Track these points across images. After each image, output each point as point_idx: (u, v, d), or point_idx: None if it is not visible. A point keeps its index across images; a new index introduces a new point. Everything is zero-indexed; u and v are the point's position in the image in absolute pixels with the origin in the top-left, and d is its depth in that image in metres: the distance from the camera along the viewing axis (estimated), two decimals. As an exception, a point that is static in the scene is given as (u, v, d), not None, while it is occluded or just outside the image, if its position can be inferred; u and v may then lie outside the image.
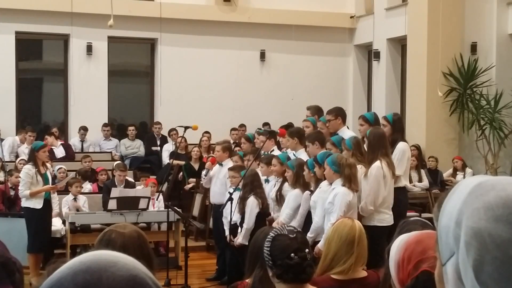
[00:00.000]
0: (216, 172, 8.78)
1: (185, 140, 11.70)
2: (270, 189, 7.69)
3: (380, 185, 6.54)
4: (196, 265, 9.17)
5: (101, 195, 9.97)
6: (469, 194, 1.06)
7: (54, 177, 9.77)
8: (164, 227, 9.37)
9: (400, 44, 14.09)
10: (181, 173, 11.67)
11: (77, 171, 10.86)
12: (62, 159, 12.12)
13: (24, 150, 11.70)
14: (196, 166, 11.47)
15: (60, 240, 9.28)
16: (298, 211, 6.89)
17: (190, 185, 11.38)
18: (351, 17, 15.12)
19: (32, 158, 8.56)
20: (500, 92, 11.94)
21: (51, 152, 12.21)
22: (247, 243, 7.02)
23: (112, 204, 9.08)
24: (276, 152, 8.35)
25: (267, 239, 2.90)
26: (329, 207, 6.12)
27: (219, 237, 8.57)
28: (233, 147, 10.42)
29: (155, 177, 11.14)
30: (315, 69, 15.01)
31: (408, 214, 8.37)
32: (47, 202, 8.54)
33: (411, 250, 2.04)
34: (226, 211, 7.78)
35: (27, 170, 8.43)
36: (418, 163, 11.40)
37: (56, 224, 9.16)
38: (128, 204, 9.12)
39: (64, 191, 9.69)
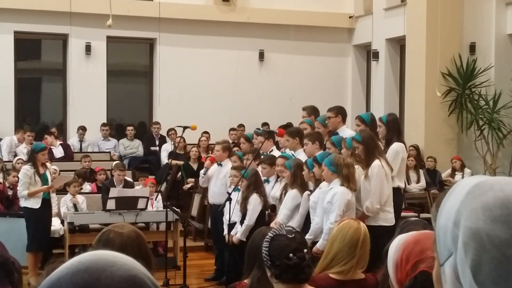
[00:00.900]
0: (215, 172, 8.78)
1: (184, 140, 11.69)
2: (269, 189, 7.69)
3: (383, 183, 6.54)
4: (194, 265, 9.17)
5: (100, 195, 9.97)
6: (467, 195, 1.06)
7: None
8: (162, 227, 9.38)
9: (399, 44, 14.09)
10: (179, 173, 11.66)
11: (76, 171, 10.85)
12: (61, 159, 12.11)
13: (23, 150, 11.70)
14: (194, 166, 11.46)
15: (59, 240, 9.28)
16: (296, 211, 6.88)
17: (188, 185, 11.38)
18: (350, 17, 15.12)
19: (32, 158, 8.58)
20: (499, 93, 11.95)
21: (50, 152, 12.21)
22: (245, 240, 7.03)
23: (111, 204, 9.07)
24: (275, 152, 8.34)
25: (265, 239, 2.90)
26: (327, 207, 6.11)
27: (218, 237, 8.57)
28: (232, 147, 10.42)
29: (153, 177, 11.13)
30: (314, 69, 15.01)
31: (407, 214, 8.38)
32: (46, 202, 8.54)
33: (409, 250, 2.04)
34: (226, 211, 7.78)
35: (26, 170, 8.47)
36: (417, 163, 11.41)
37: (55, 224, 9.16)
38: (127, 204, 9.12)
39: (63, 191, 9.68)
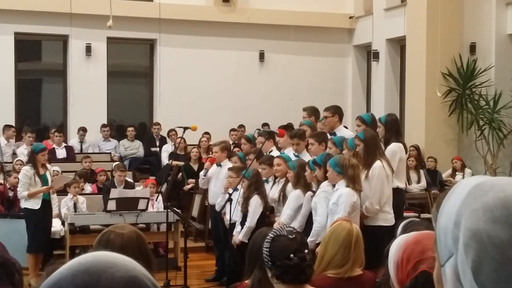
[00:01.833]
0: (214, 173, 8.78)
1: (184, 141, 11.69)
2: (268, 189, 7.69)
3: (384, 184, 6.54)
4: (195, 266, 9.17)
5: (101, 196, 9.97)
6: (468, 195, 1.06)
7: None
8: (163, 227, 9.38)
9: (399, 45, 14.09)
10: (180, 174, 11.67)
11: (77, 172, 10.85)
12: (62, 160, 12.12)
13: (23, 151, 11.69)
14: (195, 166, 11.47)
15: (59, 241, 9.28)
16: (299, 211, 6.88)
17: (189, 186, 11.38)
18: (350, 17, 15.12)
19: (31, 159, 8.59)
20: (499, 93, 11.95)
21: (53, 152, 12.25)
22: (247, 241, 7.03)
23: (111, 205, 9.08)
24: (275, 152, 8.34)
25: (266, 240, 2.90)
26: (333, 208, 6.08)
27: (218, 238, 8.57)
28: (232, 147, 10.42)
29: (154, 177, 11.13)
30: (314, 69, 15.01)
31: (407, 214, 8.36)
32: (46, 203, 8.55)
33: (410, 250, 2.04)
34: (227, 212, 7.78)
35: (25, 171, 8.48)
36: (417, 164, 11.41)
37: (55, 225, 9.16)
38: (127, 204, 9.12)
39: (63, 192, 9.67)
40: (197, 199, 10.75)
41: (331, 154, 6.64)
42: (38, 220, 8.43)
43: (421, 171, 11.44)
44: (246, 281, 3.28)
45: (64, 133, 13.26)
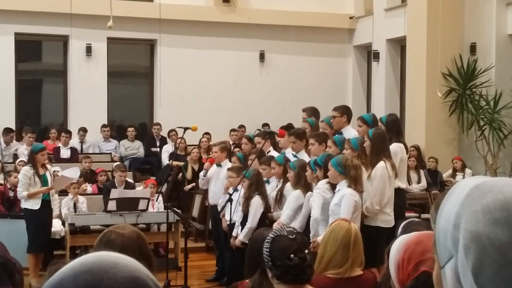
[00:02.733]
0: (214, 173, 8.78)
1: (185, 141, 11.70)
2: (271, 190, 7.69)
3: (386, 185, 6.53)
4: (195, 266, 9.17)
5: (101, 196, 9.97)
6: (467, 197, 1.06)
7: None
8: (163, 228, 9.38)
9: (399, 45, 14.09)
10: (180, 174, 11.66)
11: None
12: (66, 161, 12.14)
13: (24, 151, 11.69)
14: (195, 166, 11.47)
15: (60, 241, 9.28)
16: (299, 211, 6.88)
17: (189, 186, 11.39)
18: (350, 17, 15.12)
19: (31, 160, 8.59)
20: (500, 93, 11.95)
21: (57, 151, 12.28)
22: (248, 242, 7.03)
23: (112, 205, 9.08)
24: (273, 153, 8.34)
25: (266, 240, 2.90)
26: (335, 209, 6.06)
27: (219, 238, 8.58)
28: (232, 148, 10.42)
29: (154, 178, 11.13)
30: (314, 69, 15.01)
31: (408, 214, 8.36)
32: (46, 203, 8.53)
33: (411, 250, 2.04)
34: (227, 212, 7.78)
35: (25, 171, 8.47)
36: (418, 164, 11.40)
37: (56, 225, 9.15)
38: (128, 205, 9.12)
39: (63, 192, 9.67)
40: (197, 199, 10.76)
41: (332, 154, 6.63)
42: (38, 220, 8.42)
43: (422, 171, 11.44)
44: (247, 280, 3.28)
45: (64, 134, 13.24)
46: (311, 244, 5.63)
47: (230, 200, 7.48)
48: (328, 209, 6.17)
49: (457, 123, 12.38)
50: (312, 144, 7.32)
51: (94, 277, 0.97)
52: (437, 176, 11.71)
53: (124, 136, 13.71)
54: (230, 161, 8.58)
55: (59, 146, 12.52)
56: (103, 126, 13.48)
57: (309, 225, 6.54)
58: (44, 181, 8.50)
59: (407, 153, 7.70)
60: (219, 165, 8.73)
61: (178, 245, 9.32)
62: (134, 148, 13.43)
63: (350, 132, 7.61)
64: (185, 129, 8.77)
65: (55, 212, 9.22)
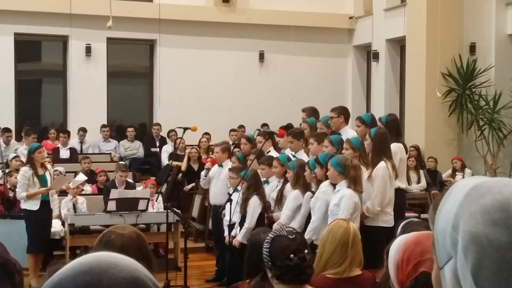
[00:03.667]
0: (215, 173, 8.79)
1: (184, 141, 11.69)
2: (270, 190, 7.69)
3: (387, 186, 6.53)
4: (195, 266, 9.17)
5: (100, 196, 9.97)
6: (465, 197, 1.06)
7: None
8: (163, 228, 9.38)
9: (399, 45, 14.10)
10: (180, 174, 11.66)
11: (77, 172, 10.83)
12: (65, 161, 12.14)
13: (23, 152, 11.69)
14: (195, 166, 11.47)
15: (60, 242, 9.27)
16: (298, 211, 6.88)
17: (189, 186, 11.39)
18: (350, 18, 15.12)
19: (29, 160, 8.56)
20: (499, 93, 11.95)
21: (57, 151, 12.27)
22: (246, 242, 7.03)
23: (112, 206, 9.08)
24: (273, 153, 8.34)
25: (266, 240, 2.90)
26: (334, 209, 6.05)
27: (219, 238, 8.57)
28: (232, 148, 10.42)
29: (154, 178, 11.12)
30: (314, 70, 15.01)
31: (407, 214, 8.36)
32: (45, 204, 8.51)
33: (410, 251, 2.04)
34: (227, 212, 7.78)
35: (24, 172, 8.44)
36: (417, 164, 11.40)
37: (55, 225, 9.15)
38: (127, 205, 9.12)
39: (63, 192, 9.67)
40: (197, 199, 10.76)
41: (333, 154, 6.62)
42: (38, 221, 8.40)
43: (421, 171, 11.44)
44: (247, 281, 3.28)
45: (64, 134, 13.24)
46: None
47: (229, 200, 7.48)
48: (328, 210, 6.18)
49: (456, 123, 12.39)
50: (312, 143, 7.33)
51: (93, 278, 0.97)
52: (436, 176, 11.71)
53: (124, 136, 13.71)
54: (231, 161, 8.58)
55: (58, 147, 12.53)
56: (103, 126, 13.47)
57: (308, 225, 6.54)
58: (43, 182, 8.47)
59: (406, 153, 7.69)
60: (220, 165, 8.74)
61: (178, 245, 9.31)
62: (134, 148, 13.43)
63: (348, 132, 7.62)
64: (185, 129, 8.77)
65: (55, 213, 9.21)
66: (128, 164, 12.75)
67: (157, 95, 14.10)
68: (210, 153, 11.18)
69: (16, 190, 8.66)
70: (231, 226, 7.73)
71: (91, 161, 11.45)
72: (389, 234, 6.32)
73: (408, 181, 10.49)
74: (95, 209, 9.70)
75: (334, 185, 6.25)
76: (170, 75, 14.05)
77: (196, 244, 10.45)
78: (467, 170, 11.82)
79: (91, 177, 11.05)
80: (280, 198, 7.39)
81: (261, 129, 10.45)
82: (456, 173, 11.76)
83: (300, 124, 8.50)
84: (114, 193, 9.20)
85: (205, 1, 14.30)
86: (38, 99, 14.66)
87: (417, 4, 12.38)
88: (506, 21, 12.25)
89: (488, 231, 1.00)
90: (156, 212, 9.55)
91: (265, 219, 7.53)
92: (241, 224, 7.49)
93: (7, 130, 12.32)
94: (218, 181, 8.70)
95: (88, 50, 13.56)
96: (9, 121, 12.93)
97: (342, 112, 7.86)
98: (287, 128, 8.92)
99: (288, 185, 7.24)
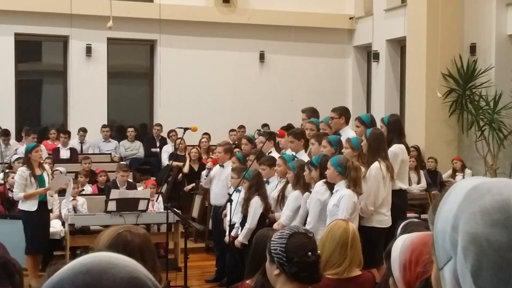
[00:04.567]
0: (216, 174, 8.79)
1: (184, 142, 11.69)
2: (270, 190, 7.69)
3: (379, 186, 6.52)
4: (195, 267, 9.17)
5: (100, 196, 9.96)
6: (465, 198, 1.06)
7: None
8: (163, 228, 9.38)
9: (399, 45, 14.10)
10: (180, 175, 11.67)
11: (77, 172, 10.84)
12: (65, 161, 12.13)
13: (23, 151, 11.68)
14: (195, 166, 11.47)
15: (60, 242, 9.27)
16: (298, 212, 6.87)
17: (189, 187, 11.39)
18: (350, 18, 15.13)
19: (26, 160, 8.53)
20: (500, 93, 11.95)
21: (57, 151, 12.27)
22: (247, 243, 7.03)
23: (112, 206, 9.08)
24: (274, 153, 8.34)
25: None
26: (333, 210, 6.04)
27: (219, 238, 8.57)
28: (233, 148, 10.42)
29: (154, 178, 11.12)
30: (314, 70, 15.01)
31: (407, 215, 8.35)
32: (43, 204, 8.47)
33: (418, 252, 2.02)
34: (228, 212, 7.78)
35: (21, 172, 8.40)
36: (418, 164, 11.40)
37: (56, 225, 9.15)
38: (128, 205, 9.12)
39: (63, 193, 9.66)
40: (197, 199, 10.76)
41: (327, 155, 6.62)
42: (36, 222, 8.36)
43: (421, 172, 11.44)
44: (248, 281, 3.27)
45: (64, 134, 13.24)
46: None
47: (230, 200, 7.47)
48: (326, 209, 6.16)
49: (457, 123, 12.39)
50: (312, 144, 7.32)
51: (93, 278, 0.97)
52: (436, 176, 11.71)
53: (124, 136, 13.71)
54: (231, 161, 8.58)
55: (58, 147, 12.53)
56: (103, 126, 13.48)
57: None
58: (41, 182, 8.43)
59: (408, 154, 7.67)
60: (221, 165, 8.74)
61: (178, 245, 9.31)
62: (134, 148, 13.44)
63: (348, 133, 7.60)
64: (185, 129, 8.77)
65: (55, 213, 9.20)
66: (128, 164, 12.74)
67: (158, 95, 14.10)
68: (211, 153, 11.17)
69: (14, 190, 8.59)
70: (231, 227, 7.73)
71: (91, 161, 11.45)
72: (384, 235, 6.33)
73: (408, 181, 10.49)
74: (96, 209, 9.69)
75: (330, 185, 6.23)
76: (170, 76, 14.05)
77: (196, 245, 10.45)
78: (467, 171, 11.81)
79: (92, 177, 11.05)
80: (282, 198, 7.38)
81: (262, 130, 10.45)
82: (456, 173, 11.75)
83: (301, 125, 8.49)
84: (114, 193, 9.20)
85: (205, 1, 14.30)
86: (39, 99, 14.67)
87: (418, 4, 12.38)
88: (507, 22, 12.25)
89: (488, 231, 1.00)
90: (156, 212, 9.56)
91: (266, 220, 7.52)
92: (242, 224, 7.48)
93: (4, 133, 12.18)
94: (219, 182, 8.70)
95: (88, 50, 13.57)
96: (9, 121, 12.94)
97: (343, 113, 7.85)
98: (288, 128, 8.91)
99: (290, 185, 7.23)
